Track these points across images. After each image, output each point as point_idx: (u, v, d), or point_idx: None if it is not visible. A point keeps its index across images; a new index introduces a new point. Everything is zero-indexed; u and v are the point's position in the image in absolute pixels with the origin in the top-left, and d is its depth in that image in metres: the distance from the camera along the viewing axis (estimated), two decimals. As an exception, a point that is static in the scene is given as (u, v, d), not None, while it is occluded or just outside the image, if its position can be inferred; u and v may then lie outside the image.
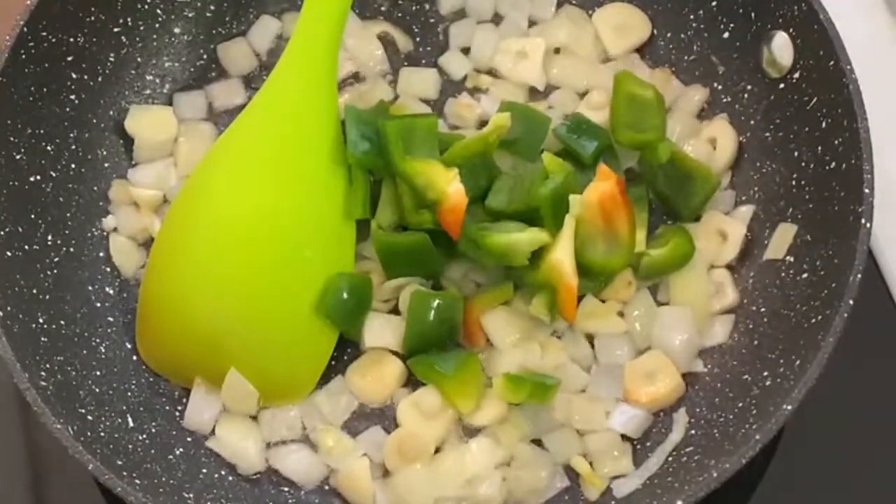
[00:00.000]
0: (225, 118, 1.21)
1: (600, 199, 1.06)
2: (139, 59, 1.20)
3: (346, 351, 1.11)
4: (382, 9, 1.25)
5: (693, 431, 1.05)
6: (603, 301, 1.11)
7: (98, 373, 1.08)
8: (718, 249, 1.13)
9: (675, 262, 1.11)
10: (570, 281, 1.05)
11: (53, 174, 1.13)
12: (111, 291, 1.14)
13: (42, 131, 1.12)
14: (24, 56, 1.09)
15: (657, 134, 1.13)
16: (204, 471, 1.06)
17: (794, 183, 1.10)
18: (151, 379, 1.11)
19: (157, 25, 1.21)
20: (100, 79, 1.17)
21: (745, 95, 1.16)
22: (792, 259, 1.08)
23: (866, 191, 1.00)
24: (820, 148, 1.07)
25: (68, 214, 1.14)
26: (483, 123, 1.18)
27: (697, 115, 1.18)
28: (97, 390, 1.07)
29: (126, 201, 1.17)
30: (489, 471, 1.05)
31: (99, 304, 1.13)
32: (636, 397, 1.07)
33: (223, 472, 1.07)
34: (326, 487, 1.08)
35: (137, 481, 0.97)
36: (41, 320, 1.06)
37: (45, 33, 1.10)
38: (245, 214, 1.08)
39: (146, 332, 1.11)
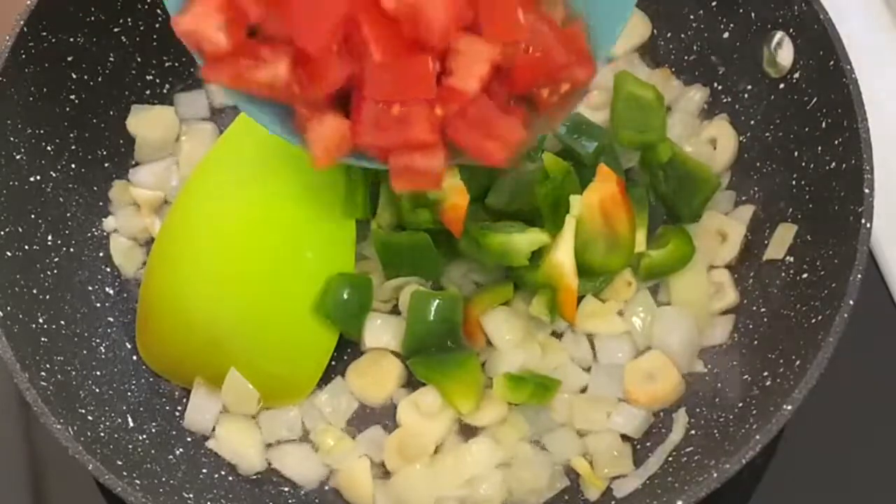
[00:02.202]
0: (226, 117, 1.21)
1: (601, 200, 1.06)
2: (139, 59, 1.20)
3: (347, 351, 1.11)
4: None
5: (693, 431, 1.05)
6: (603, 301, 1.11)
7: (98, 373, 1.08)
8: (718, 249, 1.13)
9: (675, 262, 1.11)
10: (571, 281, 1.05)
11: (53, 174, 1.13)
12: (111, 292, 1.14)
13: (42, 131, 1.12)
14: (23, 56, 1.09)
15: (658, 134, 1.12)
16: (204, 471, 1.06)
17: (794, 183, 1.10)
18: (151, 379, 1.11)
19: (156, 25, 1.20)
20: (100, 79, 1.17)
21: (745, 95, 1.16)
22: (792, 259, 1.08)
23: (866, 191, 1.00)
24: (820, 148, 1.07)
25: (68, 214, 1.14)
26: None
27: (697, 115, 1.18)
28: (97, 390, 1.06)
29: (127, 202, 1.17)
30: (489, 471, 1.05)
31: (99, 305, 1.13)
32: (636, 397, 1.07)
33: (223, 473, 1.07)
34: (326, 487, 1.08)
35: (138, 481, 0.97)
36: (41, 320, 1.06)
37: (44, 33, 1.10)
38: (245, 215, 1.08)
39: (146, 333, 1.11)
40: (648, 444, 1.06)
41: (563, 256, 1.05)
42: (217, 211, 1.09)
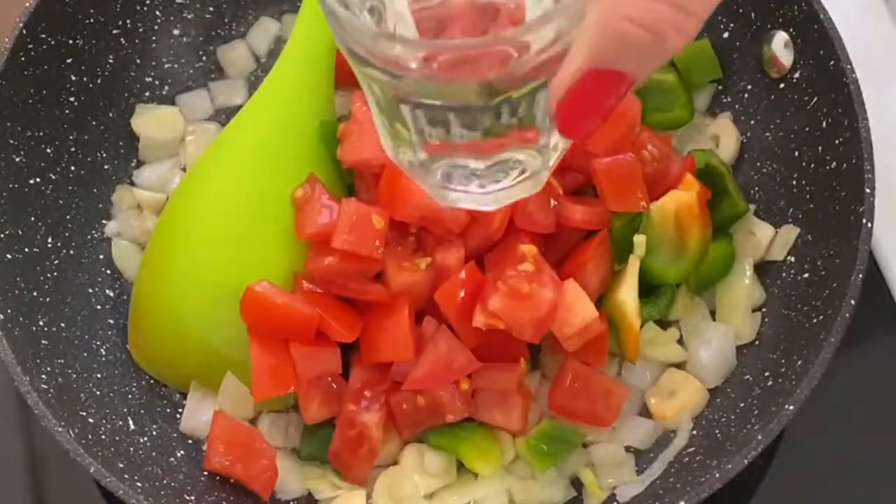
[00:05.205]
0: (229, 118, 1.20)
1: (677, 207, 1.04)
2: (138, 61, 1.20)
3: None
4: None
5: (695, 432, 1.05)
6: (664, 328, 1.08)
7: (98, 375, 1.08)
8: (755, 248, 1.11)
9: (721, 267, 1.09)
10: (633, 320, 1.02)
11: (53, 176, 1.12)
12: (111, 294, 1.14)
13: (41, 133, 1.12)
14: (23, 58, 1.09)
15: (685, 110, 1.13)
16: (206, 473, 1.06)
17: (794, 183, 1.10)
18: (152, 381, 1.11)
19: (156, 27, 1.20)
20: (99, 81, 1.17)
21: (746, 95, 1.16)
22: (793, 259, 1.08)
23: (867, 190, 1.00)
24: (820, 148, 1.07)
25: (68, 217, 1.13)
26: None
27: (701, 113, 1.17)
28: (98, 393, 1.06)
29: (128, 204, 1.17)
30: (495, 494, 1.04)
31: (99, 307, 1.13)
32: (662, 413, 1.06)
33: (225, 475, 1.07)
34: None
35: (139, 484, 0.97)
36: (42, 323, 1.06)
37: (43, 35, 1.10)
38: (239, 217, 1.07)
39: (138, 334, 1.10)
40: (651, 454, 1.05)
41: (625, 295, 1.02)
42: (210, 214, 1.09)
